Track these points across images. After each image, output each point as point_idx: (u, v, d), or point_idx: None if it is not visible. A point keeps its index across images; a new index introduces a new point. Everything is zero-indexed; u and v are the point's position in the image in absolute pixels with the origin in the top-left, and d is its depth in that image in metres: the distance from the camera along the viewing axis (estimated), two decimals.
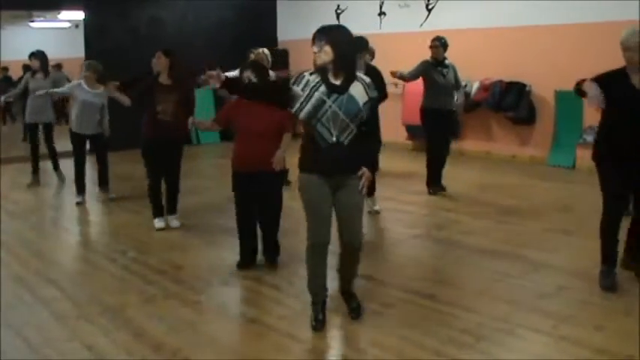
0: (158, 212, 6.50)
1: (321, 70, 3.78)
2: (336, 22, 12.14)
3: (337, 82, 3.77)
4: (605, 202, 4.47)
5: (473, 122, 10.53)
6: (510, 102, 9.77)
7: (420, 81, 7.76)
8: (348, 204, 3.92)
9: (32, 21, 16.05)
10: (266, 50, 7.70)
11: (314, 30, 3.79)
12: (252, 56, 7.42)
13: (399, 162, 9.98)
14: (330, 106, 3.72)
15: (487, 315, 4.18)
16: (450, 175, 8.55)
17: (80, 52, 12.00)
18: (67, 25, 15.89)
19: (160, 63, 6.33)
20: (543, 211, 6.93)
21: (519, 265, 5.16)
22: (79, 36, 12.24)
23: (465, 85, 10.27)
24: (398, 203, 7.40)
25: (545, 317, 4.14)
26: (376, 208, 6.94)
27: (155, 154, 6.30)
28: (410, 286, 4.76)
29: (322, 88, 3.75)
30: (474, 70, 10.10)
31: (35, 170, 8.89)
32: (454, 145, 10.67)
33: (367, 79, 3.90)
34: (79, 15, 12.17)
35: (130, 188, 8.22)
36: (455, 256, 5.50)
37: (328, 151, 3.77)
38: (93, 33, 11.67)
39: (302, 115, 3.77)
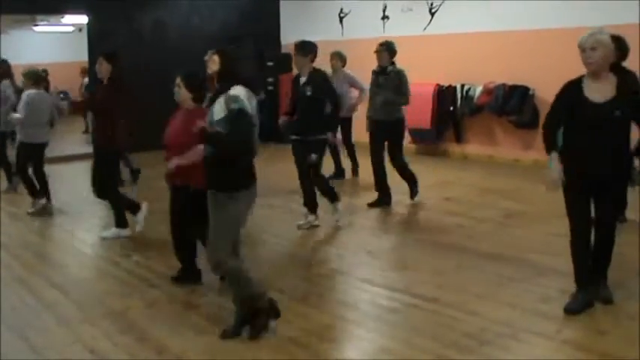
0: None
1: (210, 80, 3.93)
2: (339, 26, 12.17)
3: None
4: (572, 224, 4.32)
5: (476, 126, 10.51)
6: (513, 106, 9.74)
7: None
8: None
9: (36, 25, 16.11)
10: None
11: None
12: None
13: None
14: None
15: (490, 319, 4.17)
16: (453, 178, 8.55)
17: (83, 56, 12.07)
18: (70, 29, 15.95)
19: (101, 69, 5.75)
20: (546, 215, 6.90)
21: (523, 270, 5.15)
22: (83, 40, 12.30)
23: (469, 89, 10.30)
24: (401, 207, 7.39)
25: (549, 321, 4.13)
26: (338, 222, 6.47)
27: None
28: (413, 290, 4.75)
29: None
30: (477, 74, 10.09)
31: (9, 178, 8.55)
32: (457, 149, 10.73)
33: (231, 93, 3.75)
34: (82, 19, 12.22)
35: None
36: (458, 260, 5.49)
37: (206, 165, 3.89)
38: (96, 36, 11.68)
39: None
